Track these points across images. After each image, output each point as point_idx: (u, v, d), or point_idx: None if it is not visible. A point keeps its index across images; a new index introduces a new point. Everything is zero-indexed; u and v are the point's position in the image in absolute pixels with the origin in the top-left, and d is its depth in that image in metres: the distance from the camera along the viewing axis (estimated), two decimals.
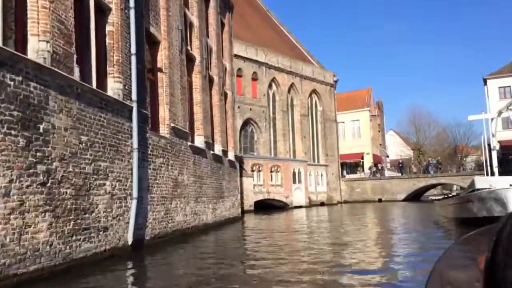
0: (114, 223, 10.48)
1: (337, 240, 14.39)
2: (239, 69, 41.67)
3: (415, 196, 50.49)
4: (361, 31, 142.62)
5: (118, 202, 10.74)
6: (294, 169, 40.52)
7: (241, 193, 34.59)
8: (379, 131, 61.19)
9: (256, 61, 42.96)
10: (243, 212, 34.25)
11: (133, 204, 11.32)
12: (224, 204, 21.45)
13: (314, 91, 49.35)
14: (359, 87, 61.53)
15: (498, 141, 51.95)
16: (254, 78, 43.07)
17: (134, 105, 11.71)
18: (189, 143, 16.62)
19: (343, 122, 57.01)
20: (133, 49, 11.84)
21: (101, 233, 9.90)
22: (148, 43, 14.30)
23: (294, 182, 40.31)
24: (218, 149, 21.12)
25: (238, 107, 41.01)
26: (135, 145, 11.59)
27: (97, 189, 9.83)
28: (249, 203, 34.98)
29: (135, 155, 11.55)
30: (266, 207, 37.41)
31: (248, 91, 42.28)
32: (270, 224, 23.73)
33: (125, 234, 10.99)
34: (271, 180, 38.38)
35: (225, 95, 24.04)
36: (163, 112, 14.48)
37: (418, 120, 63.00)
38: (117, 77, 11.27)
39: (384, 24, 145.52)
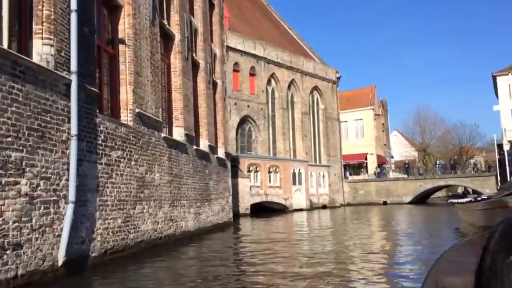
0: (34, 237, 7.38)
1: (348, 260, 11.24)
2: (236, 64, 38.64)
3: (421, 199, 47.31)
4: (365, 30, 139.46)
5: (42, 208, 7.63)
6: (294, 170, 37.37)
7: (237, 195, 31.51)
8: (383, 131, 57.99)
9: (254, 55, 39.91)
10: (239, 215, 31.16)
11: (69, 210, 8.21)
12: (212, 208, 18.34)
13: (315, 88, 46.22)
14: (362, 85, 58.50)
15: (509, 141, 48.92)
16: (252, 73, 40.01)
17: (74, 78, 8.60)
18: (163, 135, 13.53)
19: (346, 121, 53.89)
20: (73, 5, 8.75)
21: (8, 252, 6.82)
22: (106, 6, 11.23)
23: (294, 183, 37.18)
24: (204, 144, 18.03)
25: (235, 104, 38.00)
26: (74, 131, 8.48)
27: (2, 190, 6.75)
28: (245, 206, 31.87)
29: (73, 144, 8.44)
30: (264, 210, 34.30)
31: (245, 87, 39.22)
32: (266, 231, 20.65)
33: (54, 252, 7.89)
34: (269, 181, 35.25)
35: (215, 84, 20.97)
36: (125, 94, 11.39)
37: (423, 120, 59.84)
38: (47, 38, 8.19)
39: (390, 24, 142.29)
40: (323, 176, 42.66)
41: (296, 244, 14.81)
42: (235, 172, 31.92)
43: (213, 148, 19.22)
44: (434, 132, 60.89)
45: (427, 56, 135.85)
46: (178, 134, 15.15)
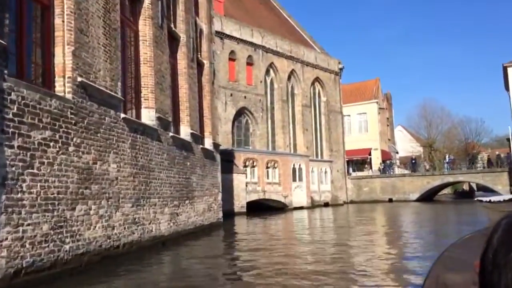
0: None
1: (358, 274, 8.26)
2: (232, 52, 35.61)
3: (427, 197, 44.22)
4: (369, 24, 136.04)
5: None
6: (294, 165, 34.36)
7: (231, 192, 28.54)
8: (387, 125, 54.84)
9: (251, 43, 36.87)
10: (233, 214, 28.20)
11: None
12: (195, 207, 15.37)
13: (317, 80, 43.14)
14: (365, 79, 55.44)
15: None
16: (249, 63, 36.98)
17: None
18: (123, 115, 10.54)
19: (349, 115, 50.76)
20: None
21: None
22: None
23: (294, 179, 34.16)
24: (185, 132, 15.05)
25: (231, 95, 35.01)
26: None
27: None
28: (240, 204, 28.90)
29: None
30: (261, 208, 31.33)
31: (242, 77, 36.20)
32: (262, 234, 17.70)
33: None
34: (267, 177, 32.26)
35: (201, 65, 17.98)
36: (62, 56, 8.41)
37: (430, 114, 56.61)
38: None
39: (393, 21, 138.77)
40: (325, 172, 39.62)
41: (298, 252, 11.84)
42: (229, 167, 28.95)
43: (197, 137, 16.23)
44: (440, 127, 57.71)
45: (431, 50, 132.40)
46: (148, 116, 12.15)
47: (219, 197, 18.70)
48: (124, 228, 10.15)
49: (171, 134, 13.28)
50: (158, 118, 12.49)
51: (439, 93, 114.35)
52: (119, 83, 10.48)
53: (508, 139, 50.26)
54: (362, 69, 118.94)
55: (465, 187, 63.65)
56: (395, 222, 22.57)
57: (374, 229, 18.40)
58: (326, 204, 38.63)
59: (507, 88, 53.96)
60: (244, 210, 29.04)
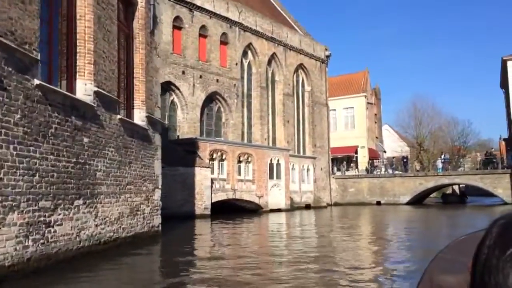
0: None
1: None
2: (203, 27, 29.58)
3: (418, 200, 38.76)
4: (359, 23, 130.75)
5: None
6: (271, 160, 28.44)
7: (192, 190, 22.52)
8: (375, 122, 49.35)
9: (226, 19, 30.89)
10: (193, 217, 22.18)
11: None
12: (99, 210, 9.32)
13: (301, 66, 37.31)
14: (353, 71, 49.82)
15: None
16: (224, 42, 31.00)
17: None
18: None
19: (335, 109, 45.04)
20: None
21: None
22: None
23: (271, 177, 28.25)
24: (81, 88, 9.00)
25: (200, 77, 28.98)
26: None
27: None
28: (203, 205, 22.86)
29: None
30: (230, 210, 25.39)
31: (214, 57, 30.18)
32: (224, 247, 11.83)
33: None
34: (239, 173, 26.28)
35: (130, 3, 11.93)
36: None
37: (420, 112, 51.26)
38: None
39: (384, 19, 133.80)
40: (308, 169, 33.81)
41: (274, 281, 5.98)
42: (191, 160, 22.93)
43: (111, 102, 10.15)
44: (430, 125, 52.44)
45: (422, 50, 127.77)
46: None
47: (156, 195, 12.64)
48: None
49: (36, 82, 7.20)
50: (12, 62, 6.43)
51: (429, 91, 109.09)
52: None
53: (508, 139, 45.18)
54: (349, 63, 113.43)
55: (455, 189, 58.50)
56: (387, 233, 16.82)
57: (363, 245, 12.61)
58: (308, 206, 32.81)
59: (502, 86, 49.02)
60: (208, 212, 23.04)
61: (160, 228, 12.83)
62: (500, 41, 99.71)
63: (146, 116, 12.09)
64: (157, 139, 12.94)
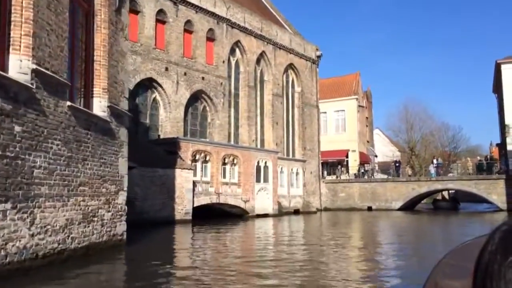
0: None
1: None
2: (188, 22, 27.84)
3: (409, 206, 37.22)
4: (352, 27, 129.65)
5: None
6: (258, 162, 26.68)
7: (172, 193, 20.67)
8: (366, 126, 47.86)
9: (213, 14, 29.18)
10: (173, 223, 20.33)
11: None
12: (37, 217, 7.45)
13: (291, 66, 35.69)
14: (343, 73, 48.27)
15: None
16: (210, 38, 29.27)
17: None
18: None
19: (325, 112, 43.44)
20: None
21: None
22: None
23: (258, 180, 26.48)
24: (15, 65, 7.20)
25: (185, 74, 27.21)
26: None
27: None
28: (184, 209, 21.01)
29: None
30: (214, 214, 23.58)
31: (200, 54, 28.43)
32: (201, 260, 10.06)
33: None
34: (224, 176, 24.47)
35: None
36: None
37: (412, 116, 49.91)
38: None
39: (377, 25, 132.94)
40: (297, 173, 32.10)
41: None
42: (172, 161, 21.11)
43: (59, 87, 8.33)
44: (422, 129, 51.13)
45: (414, 55, 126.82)
46: None
47: (120, 199, 10.78)
48: None
49: None
50: None
51: (421, 96, 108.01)
52: None
53: (501, 144, 43.95)
54: (340, 67, 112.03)
55: (444, 195, 57.07)
56: (381, 245, 15.13)
57: (354, 256, 10.88)
58: (297, 212, 31.07)
59: (495, 91, 47.91)
60: (189, 217, 21.19)
61: (124, 236, 10.97)
62: (492, 46, 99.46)
63: (109, 107, 10.27)
64: (122, 134, 11.10)
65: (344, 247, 13.08)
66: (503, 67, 39.07)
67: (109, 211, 10.19)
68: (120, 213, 10.77)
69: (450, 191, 48.11)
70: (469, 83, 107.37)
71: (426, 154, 50.30)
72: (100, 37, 10.19)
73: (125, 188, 11.11)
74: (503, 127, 44.41)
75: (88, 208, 9.23)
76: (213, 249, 12.64)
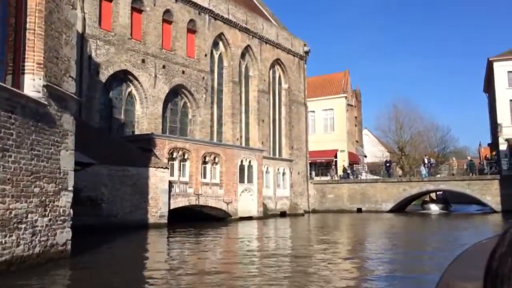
0: None
1: None
2: (168, 12, 25.74)
3: (400, 207, 35.51)
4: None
5: None
6: (242, 161, 24.64)
7: (145, 194, 18.53)
8: (355, 125, 46.14)
9: (194, 4, 27.11)
10: (147, 227, 18.20)
11: None
12: None
13: (277, 61, 33.76)
14: (332, 71, 46.52)
15: (506, 139, 37.87)
16: (192, 30, 27.19)
17: None
18: None
19: (314, 111, 41.62)
20: None
21: None
22: None
23: (242, 181, 24.44)
24: None
25: (163, 67, 25.13)
26: None
27: None
28: (159, 212, 18.87)
29: None
30: (194, 218, 21.49)
31: (180, 46, 26.34)
32: (167, 272, 8.04)
33: None
34: (204, 176, 22.38)
35: None
36: None
37: (401, 115, 48.32)
38: None
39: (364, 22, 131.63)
40: (284, 173, 30.13)
41: None
42: (146, 159, 18.98)
43: None
44: (412, 129, 49.54)
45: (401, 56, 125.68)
46: None
47: (63, 201, 8.66)
48: None
49: None
50: None
51: (409, 96, 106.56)
52: None
53: (492, 144, 42.54)
54: (328, 66, 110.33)
55: (432, 197, 55.51)
56: (372, 253, 13.22)
57: (344, 268, 8.95)
58: (283, 214, 29.08)
59: (486, 90, 46.57)
60: (165, 220, 19.04)
61: (68, 246, 8.84)
62: (483, 46, 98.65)
63: (46, 86, 8.16)
64: (66, 121, 8.98)
65: (331, 262, 11.11)
66: (495, 64, 37.61)
67: (44, 216, 8.07)
68: (62, 218, 8.65)
69: (437, 193, 46.58)
70: (459, 83, 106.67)
71: (416, 154, 48.71)
72: (35, 0, 8.09)
73: (70, 188, 9.00)
74: (494, 127, 43.01)
75: (10, 213, 7.11)
76: (186, 262, 10.56)
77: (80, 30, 21.51)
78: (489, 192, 31.43)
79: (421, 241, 15.55)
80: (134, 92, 24.12)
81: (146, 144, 19.81)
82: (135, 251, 12.52)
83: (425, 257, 11.32)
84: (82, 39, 21.49)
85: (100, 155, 16.82)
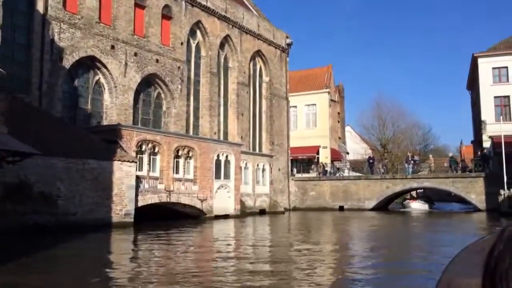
0: None
1: None
2: None
3: (383, 205, 34.34)
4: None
5: None
6: (218, 156, 22.95)
7: (109, 190, 16.71)
8: (338, 121, 44.86)
9: None
10: (110, 226, 16.39)
11: None
12: None
13: (258, 53, 32.12)
14: (315, 66, 45.16)
15: (490, 136, 36.99)
16: (167, 16, 25.33)
17: None
18: None
19: (296, 106, 40.12)
20: None
21: None
22: None
23: (218, 176, 22.74)
24: None
25: (135, 55, 23.32)
26: None
27: None
28: (124, 210, 17.06)
29: None
30: (165, 216, 19.71)
31: (154, 32, 24.46)
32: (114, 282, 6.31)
33: None
34: (176, 171, 20.62)
35: None
36: None
37: (384, 113, 47.27)
38: None
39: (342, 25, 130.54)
40: (263, 169, 28.53)
41: None
42: (108, 152, 17.13)
43: None
44: (395, 126, 48.55)
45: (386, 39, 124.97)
46: None
47: None
48: None
49: None
50: None
51: (392, 93, 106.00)
52: None
53: (475, 141, 41.70)
54: (311, 60, 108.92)
55: (412, 195, 54.60)
56: (355, 259, 11.74)
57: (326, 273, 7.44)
58: (263, 212, 27.50)
59: (469, 87, 45.84)
60: (130, 219, 17.22)
61: None
62: (467, 45, 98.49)
63: None
64: None
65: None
66: (479, 60, 36.68)
67: None
68: None
69: (418, 191, 45.52)
70: (442, 81, 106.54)
71: (398, 151, 47.74)
72: None
73: None
74: (477, 124, 42.18)
75: None
76: (144, 267, 8.86)
77: (41, 11, 19.56)
78: (474, 190, 30.42)
79: (408, 246, 14.14)
80: (102, 80, 22.18)
81: (111, 135, 17.95)
82: (80, 255, 10.71)
83: (414, 260, 9.86)
84: (43, 21, 19.52)
85: (56, 146, 14.95)
